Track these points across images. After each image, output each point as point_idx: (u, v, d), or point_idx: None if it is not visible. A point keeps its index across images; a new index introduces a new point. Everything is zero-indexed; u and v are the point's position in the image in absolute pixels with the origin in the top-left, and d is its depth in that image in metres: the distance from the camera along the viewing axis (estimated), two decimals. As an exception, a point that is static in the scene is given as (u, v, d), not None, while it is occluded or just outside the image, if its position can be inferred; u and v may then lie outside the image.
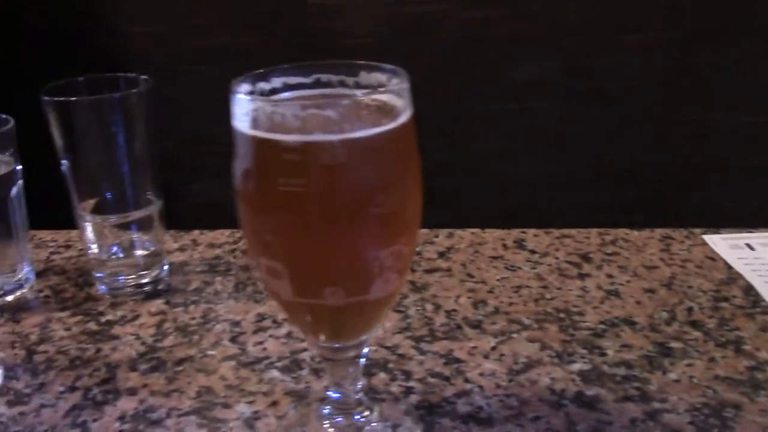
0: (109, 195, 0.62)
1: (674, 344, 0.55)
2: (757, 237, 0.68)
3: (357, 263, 0.40)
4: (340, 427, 0.47)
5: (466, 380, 0.52)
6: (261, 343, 0.57)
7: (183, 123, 1.24)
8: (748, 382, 0.50)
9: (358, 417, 0.47)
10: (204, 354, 0.56)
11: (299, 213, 0.38)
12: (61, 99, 0.58)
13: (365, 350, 0.46)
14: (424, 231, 0.73)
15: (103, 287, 0.65)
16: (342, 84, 0.43)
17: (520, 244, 0.70)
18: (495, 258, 0.68)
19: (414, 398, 0.50)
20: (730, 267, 0.64)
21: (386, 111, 0.39)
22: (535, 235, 0.72)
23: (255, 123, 0.38)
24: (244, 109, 0.38)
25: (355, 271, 0.40)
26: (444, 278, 0.65)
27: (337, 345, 0.44)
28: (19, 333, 0.60)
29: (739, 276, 0.63)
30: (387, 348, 0.56)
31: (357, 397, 0.47)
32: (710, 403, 0.48)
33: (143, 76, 0.61)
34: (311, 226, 0.38)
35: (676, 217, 1.22)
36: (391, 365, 0.54)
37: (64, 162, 0.61)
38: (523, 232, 0.72)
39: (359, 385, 0.47)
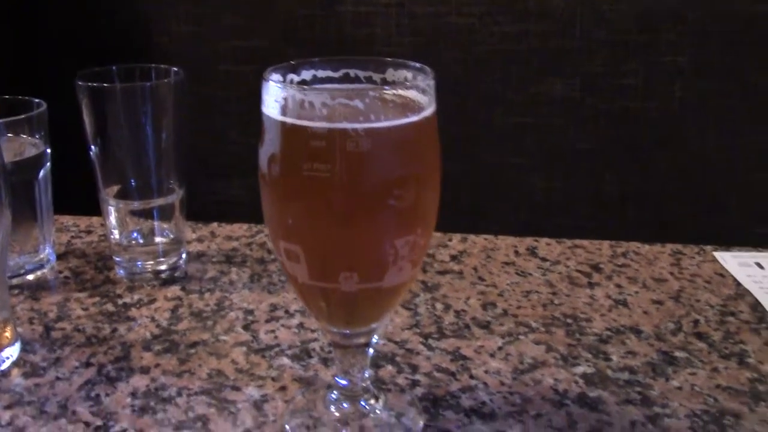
0: (133, 182, 0.64)
1: (678, 354, 0.56)
2: (767, 256, 0.69)
3: (373, 250, 0.41)
4: (345, 412, 0.48)
5: (471, 377, 0.53)
6: (273, 331, 0.58)
7: (212, 121, 1.26)
8: (750, 392, 0.51)
9: (364, 404, 0.48)
10: (216, 339, 0.58)
11: (321, 198, 0.40)
12: (94, 85, 0.60)
13: (374, 340, 0.47)
14: (438, 234, 0.74)
15: (121, 272, 0.67)
16: (369, 80, 0.45)
17: (532, 252, 0.71)
18: (507, 264, 0.69)
19: (419, 390, 0.51)
20: (738, 284, 0.65)
21: (411, 106, 0.40)
22: (548, 244, 0.73)
23: (284, 110, 0.39)
24: (274, 95, 0.40)
25: (370, 258, 0.41)
26: (455, 280, 0.66)
27: (347, 331, 0.45)
28: (38, 310, 0.62)
29: (747, 292, 0.63)
30: (395, 342, 0.57)
31: (364, 385, 0.48)
32: (710, 410, 0.49)
33: (174, 68, 0.63)
34: (331, 212, 0.40)
35: (691, 237, 1.23)
36: (398, 359, 0.55)
37: (92, 147, 0.63)
38: (536, 240, 0.74)
39: (366, 373, 0.48)
